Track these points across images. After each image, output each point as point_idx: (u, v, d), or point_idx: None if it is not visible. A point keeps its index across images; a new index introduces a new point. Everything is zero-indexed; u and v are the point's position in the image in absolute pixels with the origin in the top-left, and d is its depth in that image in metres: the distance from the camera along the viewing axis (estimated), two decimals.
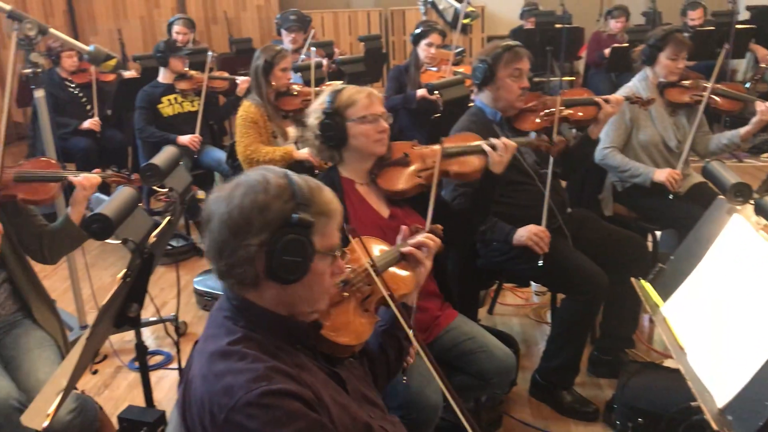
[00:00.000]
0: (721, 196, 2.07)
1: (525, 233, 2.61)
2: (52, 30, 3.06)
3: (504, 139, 2.40)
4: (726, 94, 3.43)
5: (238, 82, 4.77)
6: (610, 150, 3.33)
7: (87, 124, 5.09)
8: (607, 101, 2.85)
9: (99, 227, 1.73)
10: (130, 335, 3.50)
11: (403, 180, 2.32)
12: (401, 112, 4.65)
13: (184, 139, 4.52)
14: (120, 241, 1.73)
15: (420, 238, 1.88)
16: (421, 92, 4.49)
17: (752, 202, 1.88)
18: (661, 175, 3.24)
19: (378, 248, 1.87)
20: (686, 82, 3.39)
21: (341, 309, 1.60)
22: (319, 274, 1.37)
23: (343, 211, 1.44)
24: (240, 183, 1.34)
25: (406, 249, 1.86)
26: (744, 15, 7.12)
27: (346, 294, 1.65)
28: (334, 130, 2.22)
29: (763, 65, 6.33)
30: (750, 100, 3.45)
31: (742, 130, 3.35)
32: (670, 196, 3.23)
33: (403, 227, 1.92)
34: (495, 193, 2.49)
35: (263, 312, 1.36)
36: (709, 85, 3.36)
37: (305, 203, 1.33)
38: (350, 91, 2.25)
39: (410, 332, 1.62)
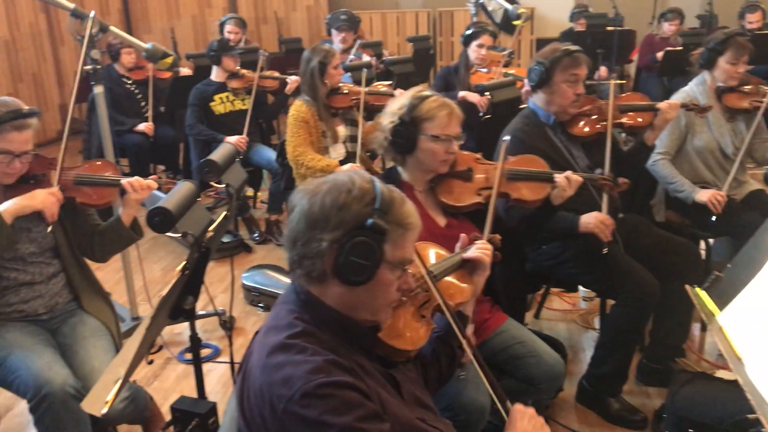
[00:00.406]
0: None
1: (592, 220, 2.56)
2: (112, 28, 3.14)
3: (569, 173, 2.38)
4: None
5: (288, 81, 4.82)
6: (661, 158, 3.27)
7: (142, 127, 5.20)
8: (663, 107, 2.81)
9: (160, 220, 1.77)
10: (178, 328, 3.58)
11: (463, 196, 2.32)
12: None
13: (232, 139, 4.58)
14: (180, 235, 1.76)
15: (481, 246, 1.88)
16: (462, 94, 4.47)
17: None
18: (704, 195, 3.16)
19: (435, 252, 1.88)
20: (746, 88, 3.30)
21: (398, 314, 1.61)
22: (385, 284, 1.39)
23: None
24: (328, 181, 1.39)
25: (473, 254, 1.86)
26: None
27: (403, 299, 1.65)
28: (404, 138, 2.21)
29: None
30: None
31: None
32: (713, 218, 3.15)
33: (463, 235, 1.93)
34: (548, 222, 2.49)
35: (326, 309, 1.38)
36: None
37: (384, 210, 1.35)
38: (432, 105, 2.21)
39: (464, 342, 1.62)
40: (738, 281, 1.97)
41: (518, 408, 1.53)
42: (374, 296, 1.40)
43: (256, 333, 1.45)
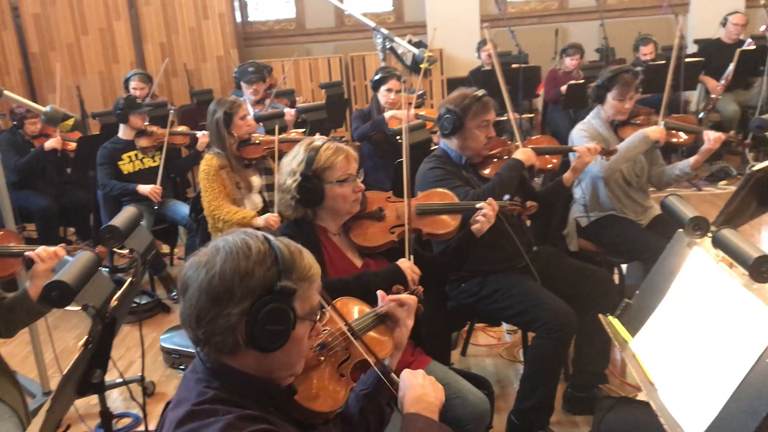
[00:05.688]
0: (681, 230, 2.10)
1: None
2: (6, 92, 3.01)
3: (490, 200, 2.43)
4: (676, 127, 3.53)
5: (198, 136, 4.75)
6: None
7: (51, 142, 4.99)
8: (581, 151, 2.94)
9: (58, 295, 1.68)
10: (95, 399, 3.38)
11: (376, 236, 2.33)
12: (365, 156, 4.65)
13: (146, 188, 4.45)
14: (80, 308, 1.68)
15: (400, 296, 1.84)
16: (390, 114, 4.54)
17: (710, 235, 1.90)
18: (655, 132, 3.31)
19: (358, 308, 1.84)
20: (638, 120, 3.46)
21: (316, 374, 1.56)
22: (299, 339, 1.35)
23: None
24: (219, 248, 1.29)
25: (384, 309, 1.81)
26: (692, 48, 7.36)
27: (322, 359, 1.61)
28: (311, 192, 2.21)
29: (713, 96, 6.53)
30: (698, 131, 3.54)
31: (692, 160, 3.40)
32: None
33: (380, 292, 1.86)
34: (471, 251, 2.49)
35: (237, 374, 1.32)
36: (659, 120, 3.45)
37: (288, 269, 1.30)
38: (327, 153, 2.22)
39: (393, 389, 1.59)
40: (646, 307, 2.04)
41: (407, 371, 1.56)
42: (289, 354, 1.35)
43: (168, 403, 1.38)
